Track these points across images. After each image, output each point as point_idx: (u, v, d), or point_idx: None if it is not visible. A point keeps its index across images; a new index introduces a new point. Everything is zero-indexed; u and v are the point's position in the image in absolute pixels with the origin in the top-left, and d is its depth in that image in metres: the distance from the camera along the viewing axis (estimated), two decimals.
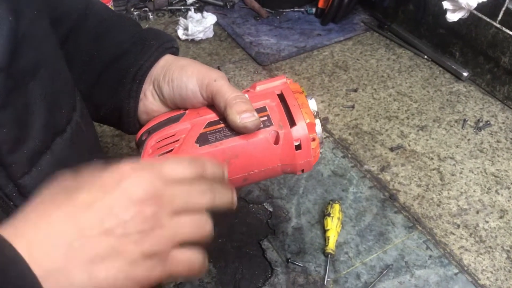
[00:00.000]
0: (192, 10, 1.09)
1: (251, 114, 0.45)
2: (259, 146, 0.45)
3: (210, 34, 1.06)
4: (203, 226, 0.40)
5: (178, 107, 0.48)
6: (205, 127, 0.45)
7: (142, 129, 0.48)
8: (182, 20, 1.05)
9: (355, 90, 0.95)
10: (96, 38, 0.50)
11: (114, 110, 0.50)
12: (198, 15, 1.06)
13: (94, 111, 0.53)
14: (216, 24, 1.09)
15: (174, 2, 1.16)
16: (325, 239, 0.68)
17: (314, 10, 1.15)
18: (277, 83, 0.49)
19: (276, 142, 0.45)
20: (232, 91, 0.46)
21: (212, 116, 0.46)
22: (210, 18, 1.04)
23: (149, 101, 0.49)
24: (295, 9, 1.16)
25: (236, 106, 0.45)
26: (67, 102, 0.45)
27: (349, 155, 0.83)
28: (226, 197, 0.41)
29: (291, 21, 1.13)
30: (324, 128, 0.87)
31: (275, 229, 0.71)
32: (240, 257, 0.67)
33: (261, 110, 0.46)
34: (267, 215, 0.73)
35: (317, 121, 0.47)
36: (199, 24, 1.02)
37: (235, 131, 0.45)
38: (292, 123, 0.45)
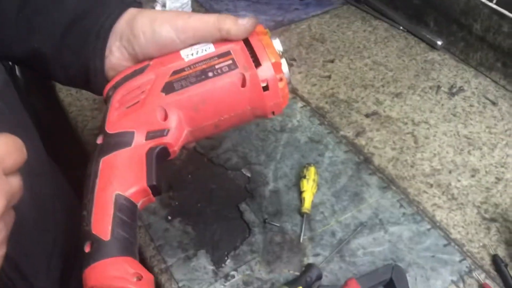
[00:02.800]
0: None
1: (243, 18, 0.46)
2: (226, 90, 0.46)
3: (188, 10, 1.07)
4: None
5: (150, 59, 0.49)
6: (170, 76, 0.46)
7: (108, 85, 0.49)
8: None
9: (332, 61, 0.97)
10: (54, 0, 0.50)
11: (80, 71, 0.51)
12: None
13: (62, 74, 0.53)
14: (194, 1, 1.10)
15: None
16: (301, 200, 0.70)
17: None
18: None
19: (243, 84, 0.46)
20: (211, 15, 0.47)
21: (177, 65, 0.47)
22: None
23: (116, 58, 0.49)
24: None
25: (227, 20, 0.46)
26: None
27: (326, 122, 0.84)
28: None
29: None
30: (301, 98, 0.89)
31: (253, 193, 0.72)
32: (218, 220, 0.69)
33: (225, 55, 0.47)
34: (245, 180, 0.74)
35: (283, 61, 0.47)
36: (177, 1, 1.03)
37: (241, 38, 0.46)
38: (258, 64, 0.46)
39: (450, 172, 0.77)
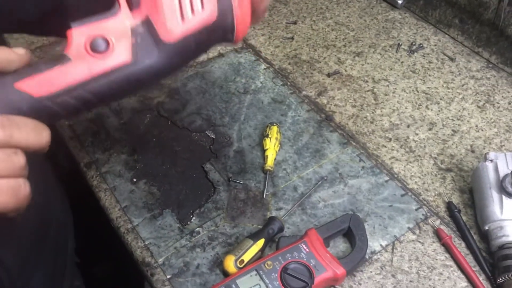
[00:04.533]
0: None
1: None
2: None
3: None
4: (15, 192, 0.36)
5: None
6: None
7: None
8: None
9: (295, 23, 0.98)
10: None
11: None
12: None
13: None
14: None
15: None
16: (264, 158, 0.72)
17: None
18: None
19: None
20: None
21: None
22: None
23: None
24: None
25: None
26: None
27: (289, 83, 0.85)
28: (34, 143, 0.37)
29: None
30: (264, 60, 0.90)
31: (217, 153, 0.74)
32: (183, 180, 0.70)
33: None
34: (209, 141, 0.76)
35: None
36: None
37: None
38: None
39: (408, 126, 0.79)
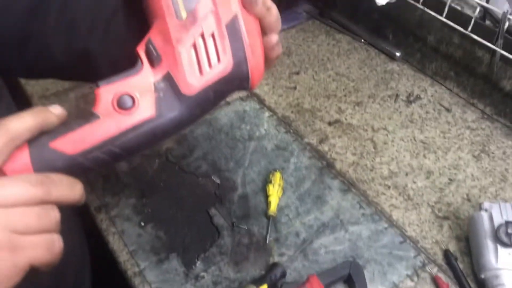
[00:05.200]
0: None
1: None
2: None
3: None
4: (50, 247, 0.37)
5: None
6: None
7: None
8: None
9: (297, 73, 1.02)
10: None
11: (130, 59, 0.49)
12: None
13: (111, 67, 0.50)
14: None
15: None
16: (267, 204, 0.75)
17: None
18: None
19: None
20: None
21: None
22: None
23: None
24: None
25: None
26: None
27: (291, 131, 0.89)
28: (70, 198, 0.39)
29: None
30: (268, 108, 0.94)
31: (222, 198, 0.77)
32: (189, 225, 0.73)
33: None
34: (215, 186, 0.79)
35: None
36: None
37: None
38: None
39: (406, 174, 0.82)
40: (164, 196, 0.77)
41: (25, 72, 0.60)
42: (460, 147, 0.87)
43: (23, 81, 0.94)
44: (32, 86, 0.93)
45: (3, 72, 0.53)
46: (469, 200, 0.78)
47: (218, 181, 0.79)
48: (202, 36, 0.44)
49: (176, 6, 0.44)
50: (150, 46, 0.44)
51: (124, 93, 0.43)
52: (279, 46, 0.51)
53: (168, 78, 0.45)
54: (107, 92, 0.43)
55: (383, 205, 0.77)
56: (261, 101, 0.95)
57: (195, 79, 0.45)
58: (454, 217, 0.76)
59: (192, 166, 0.81)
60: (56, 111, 0.41)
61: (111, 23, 0.52)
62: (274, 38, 0.49)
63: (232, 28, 0.45)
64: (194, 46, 0.44)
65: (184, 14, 0.44)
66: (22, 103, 0.96)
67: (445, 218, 0.75)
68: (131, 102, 0.43)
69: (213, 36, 0.45)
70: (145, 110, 0.43)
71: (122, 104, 0.43)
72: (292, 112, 0.93)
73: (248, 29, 0.46)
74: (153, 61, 0.44)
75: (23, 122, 0.38)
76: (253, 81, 0.48)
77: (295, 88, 0.99)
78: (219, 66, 0.45)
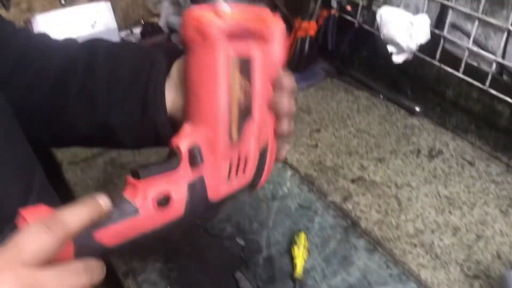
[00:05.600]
0: None
1: None
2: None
3: None
4: None
5: None
6: None
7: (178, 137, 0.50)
8: None
9: (318, 131, 1.04)
10: (109, 71, 0.54)
11: (149, 129, 0.54)
12: None
13: (131, 140, 0.57)
14: None
15: None
16: (293, 266, 0.74)
17: None
18: None
19: None
20: None
21: None
22: None
23: (177, 105, 0.53)
24: None
25: None
26: (20, 185, 0.47)
27: (314, 189, 0.90)
28: (100, 276, 0.41)
29: None
30: (291, 166, 0.95)
31: (247, 261, 0.77)
32: None
33: None
34: (239, 249, 0.79)
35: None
36: None
37: None
38: None
39: (433, 231, 0.81)
40: (189, 259, 0.77)
41: (53, 143, 0.63)
42: (486, 202, 0.86)
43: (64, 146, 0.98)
44: (61, 153, 0.97)
45: (33, 143, 0.56)
46: (499, 257, 0.76)
47: (242, 243, 0.80)
48: (242, 155, 0.50)
49: (231, 127, 0.48)
50: (196, 150, 0.47)
51: (164, 193, 0.45)
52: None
53: (201, 182, 0.48)
54: (148, 188, 0.45)
55: (410, 264, 0.76)
56: (283, 160, 0.97)
57: (223, 189, 0.49)
58: (484, 276, 0.74)
59: (216, 228, 0.82)
60: (104, 204, 0.42)
61: (128, 98, 0.54)
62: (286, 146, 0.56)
63: (263, 153, 0.51)
64: (231, 162, 0.49)
65: (235, 136, 0.49)
66: (52, 169, 1.00)
67: (475, 277, 0.74)
68: (168, 201, 0.46)
69: (248, 157, 0.50)
70: (177, 210, 0.46)
71: (160, 203, 0.45)
72: (314, 170, 0.94)
73: (271, 153, 0.52)
74: (194, 163, 0.47)
75: (79, 216, 0.40)
76: (260, 184, 0.53)
77: (316, 145, 1.00)
78: (242, 180, 0.51)
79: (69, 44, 0.59)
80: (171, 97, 0.54)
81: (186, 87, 0.49)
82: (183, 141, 0.47)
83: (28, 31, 0.60)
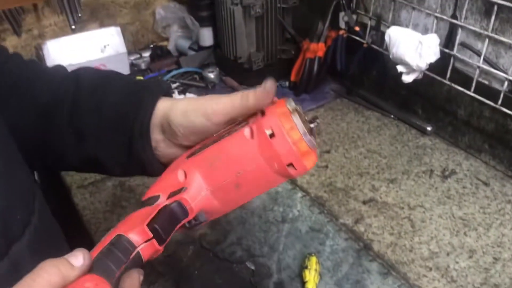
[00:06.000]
0: (176, 92, 1.20)
1: (262, 86, 0.48)
2: (237, 142, 0.48)
3: None
4: None
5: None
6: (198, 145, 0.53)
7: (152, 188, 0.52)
8: None
9: (328, 152, 1.03)
10: (94, 108, 0.55)
11: (137, 164, 0.56)
12: (182, 97, 1.16)
13: (119, 171, 0.58)
14: None
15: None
16: None
17: (287, 83, 1.25)
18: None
19: (251, 136, 0.48)
20: (234, 96, 0.50)
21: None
22: None
23: (162, 148, 0.55)
24: None
25: (250, 94, 0.48)
26: (22, 208, 0.47)
27: (325, 211, 0.88)
28: None
29: None
30: (301, 188, 0.94)
31: (257, 286, 0.75)
32: None
33: (242, 120, 0.51)
34: (250, 273, 0.77)
35: (295, 114, 0.47)
36: None
37: (265, 101, 0.48)
38: (263, 115, 0.48)
39: (448, 254, 0.79)
40: (198, 285, 0.76)
41: (46, 170, 0.64)
42: (502, 223, 0.84)
43: (62, 171, 0.98)
44: (71, 176, 0.96)
45: (30, 167, 0.56)
46: None
47: (253, 267, 0.78)
48: None
49: None
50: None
51: None
52: None
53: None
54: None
55: None
56: (293, 181, 0.95)
57: None
58: None
59: (226, 252, 0.81)
60: (77, 262, 0.39)
61: (114, 137, 0.55)
62: None
63: None
64: None
65: None
66: (61, 193, 0.99)
67: None
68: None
69: None
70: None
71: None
72: (325, 191, 0.93)
73: None
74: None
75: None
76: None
77: (327, 167, 0.99)
78: None
79: (56, 74, 0.60)
80: (156, 135, 0.55)
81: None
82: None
83: (19, 57, 0.61)
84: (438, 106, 1.04)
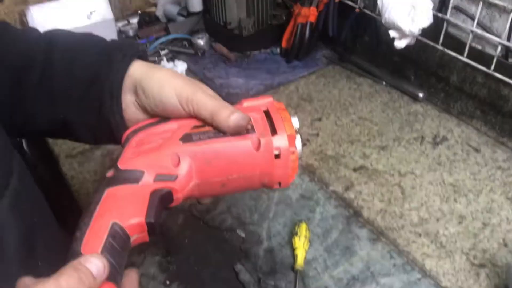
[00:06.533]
0: (165, 59, 1.17)
1: (239, 113, 0.48)
2: (241, 149, 0.49)
3: None
4: None
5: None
6: (192, 129, 0.50)
7: (129, 130, 0.52)
8: None
9: (320, 119, 1.02)
10: (66, 68, 0.54)
11: (105, 129, 0.54)
12: (170, 64, 1.14)
13: (90, 136, 0.57)
14: (189, 71, 1.17)
15: (148, 55, 1.24)
16: (294, 257, 0.73)
17: (278, 50, 1.23)
18: (264, 101, 0.54)
19: (257, 148, 0.49)
20: (213, 100, 0.50)
21: (200, 121, 0.51)
22: (180, 66, 1.12)
23: (132, 112, 0.53)
24: (262, 51, 1.24)
25: (223, 111, 0.48)
26: (1, 169, 0.47)
27: (316, 179, 0.88)
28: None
29: (258, 62, 1.21)
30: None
31: (247, 252, 0.75)
32: (215, 282, 0.71)
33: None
34: (240, 240, 0.77)
35: (298, 137, 0.50)
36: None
37: (228, 132, 0.49)
38: (274, 132, 0.49)
39: (437, 220, 0.79)
40: (189, 252, 0.76)
41: (18, 134, 0.63)
42: (492, 189, 0.84)
43: (50, 140, 0.97)
44: (59, 146, 0.95)
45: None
46: (505, 245, 0.75)
47: (243, 235, 0.78)
48: None
49: None
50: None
51: None
52: None
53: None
54: None
55: (414, 254, 0.74)
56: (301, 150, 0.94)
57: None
58: (491, 264, 0.72)
59: (216, 220, 0.81)
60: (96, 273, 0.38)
61: (85, 98, 0.54)
62: None
63: None
64: None
65: None
66: (49, 162, 0.98)
67: (482, 266, 0.72)
68: None
69: None
70: None
71: None
72: (315, 159, 0.92)
73: None
74: None
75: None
76: None
77: (318, 135, 0.98)
78: None
79: (29, 34, 0.58)
80: (127, 96, 0.53)
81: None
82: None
83: None
84: (431, 72, 1.03)
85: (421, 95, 1.04)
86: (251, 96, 1.09)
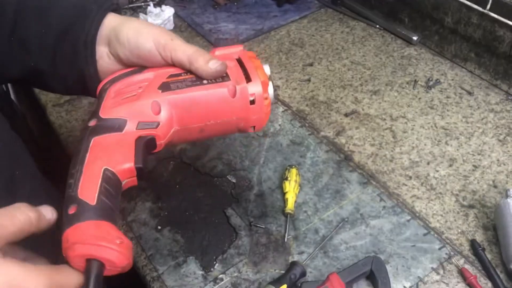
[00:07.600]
0: (151, 4, 1.13)
1: (216, 60, 0.50)
2: (218, 97, 0.52)
3: (170, 26, 1.10)
4: None
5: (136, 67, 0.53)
6: (168, 77, 0.52)
7: (104, 80, 0.53)
8: (141, 16, 1.10)
9: (311, 64, 1.00)
10: (40, 16, 0.53)
11: (77, 80, 0.55)
12: (157, 9, 1.10)
13: (62, 86, 0.57)
14: (177, 16, 1.13)
15: (135, 0, 1.20)
16: (285, 201, 0.73)
17: None
18: (235, 50, 0.56)
19: (233, 95, 0.52)
20: (191, 47, 0.51)
21: (174, 70, 0.53)
22: (168, 11, 1.08)
23: (106, 62, 0.53)
24: None
25: (201, 57, 0.50)
26: None
27: (307, 124, 0.87)
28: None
29: (248, 6, 1.18)
30: (282, 102, 0.92)
31: (238, 197, 0.75)
32: (206, 226, 0.72)
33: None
34: (230, 186, 0.77)
35: (270, 83, 0.54)
36: (158, 18, 1.06)
37: (206, 78, 0.51)
38: (248, 80, 0.52)
39: (428, 163, 0.79)
40: (180, 198, 0.76)
41: None
42: (484, 131, 0.84)
43: (36, 90, 0.95)
44: (46, 95, 0.93)
45: None
46: (495, 186, 0.75)
47: (233, 180, 0.78)
48: None
49: None
50: None
51: None
52: None
53: None
54: None
55: (404, 196, 0.74)
56: (275, 96, 0.93)
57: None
58: (480, 205, 0.72)
59: (207, 167, 0.80)
60: (47, 215, 0.41)
61: (58, 48, 0.54)
62: None
63: None
64: None
65: None
66: (37, 111, 0.97)
67: (471, 206, 0.72)
68: None
69: None
70: None
71: None
72: (307, 105, 0.91)
73: None
74: None
75: (13, 224, 0.39)
76: None
77: (309, 80, 0.96)
78: None
79: None
80: (101, 47, 0.53)
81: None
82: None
83: None
84: (425, 14, 1.00)
85: (415, 38, 1.02)
86: (241, 42, 1.06)
